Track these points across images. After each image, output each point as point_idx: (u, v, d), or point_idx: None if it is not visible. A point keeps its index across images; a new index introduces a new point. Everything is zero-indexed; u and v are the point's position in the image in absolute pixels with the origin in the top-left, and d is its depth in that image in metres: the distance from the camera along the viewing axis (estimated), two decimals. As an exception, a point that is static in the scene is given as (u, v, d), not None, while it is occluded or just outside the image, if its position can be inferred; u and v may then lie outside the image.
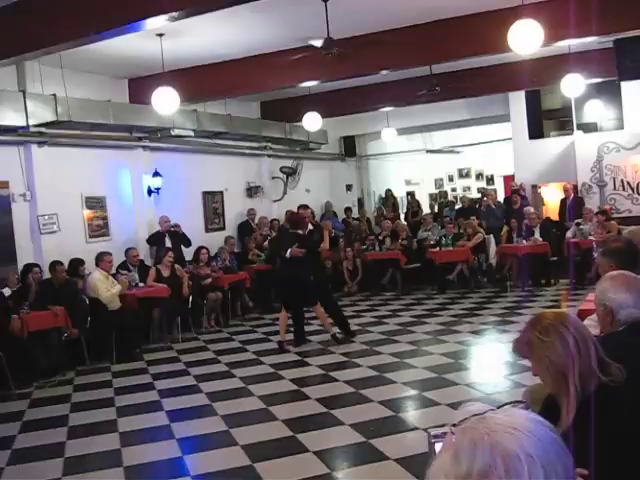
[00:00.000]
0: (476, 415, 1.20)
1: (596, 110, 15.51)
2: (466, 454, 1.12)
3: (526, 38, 7.64)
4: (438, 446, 1.66)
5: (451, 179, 23.14)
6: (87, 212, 11.60)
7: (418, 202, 20.74)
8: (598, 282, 3.37)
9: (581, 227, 13.22)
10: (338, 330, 10.08)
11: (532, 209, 14.45)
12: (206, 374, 8.68)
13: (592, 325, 3.57)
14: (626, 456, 2.34)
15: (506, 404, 1.29)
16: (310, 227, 10.52)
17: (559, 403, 2.51)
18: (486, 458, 1.10)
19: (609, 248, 4.46)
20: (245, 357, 9.54)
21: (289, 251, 9.67)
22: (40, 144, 10.63)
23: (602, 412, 2.37)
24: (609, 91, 14.62)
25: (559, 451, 1.15)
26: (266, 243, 13.76)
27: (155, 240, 12.20)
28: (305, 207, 11.24)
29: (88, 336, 9.62)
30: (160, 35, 9.36)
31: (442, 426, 1.83)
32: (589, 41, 10.43)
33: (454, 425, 1.22)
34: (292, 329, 10.11)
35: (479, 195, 18.41)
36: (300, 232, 9.97)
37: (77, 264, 10.32)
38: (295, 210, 12.06)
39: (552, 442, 1.15)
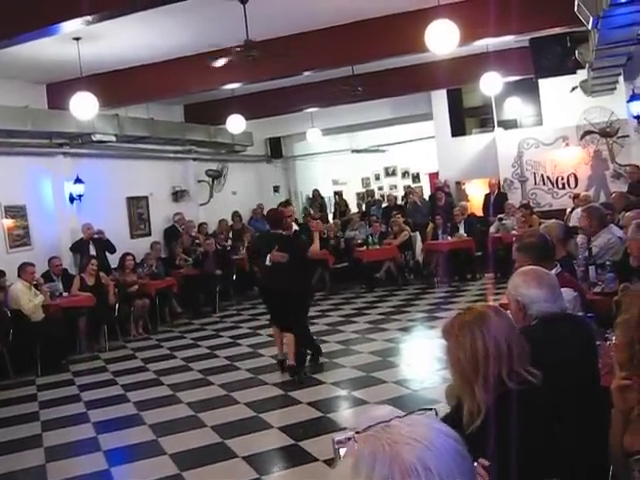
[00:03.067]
0: (382, 422, 1.20)
1: (515, 107, 15.88)
2: (365, 464, 1.12)
3: (442, 38, 7.76)
4: (343, 451, 1.66)
5: (378, 178, 23.30)
6: (7, 222, 11.26)
7: (346, 202, 20.89)
8: (510, 278, 3.43)
9: (504, 222, 13.52)
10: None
11: (465, 203, 14.78)
12: (134, 383, 8.55)
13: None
14: (535, 456, 2.36)
15: (414, 412, 1.29)
16: (295, 227, 9.01)
17: (463, 402, 2.52)
18: (384, 470, 1.10)
19: (524, 243, 4.54)
20: (174, 364, 9.42)
21: (268, 256, 8.05)
22: (-46, 153, 10.33)
23: (511, 414, 2.36)
24: (527, 89, 14.97)
25: (459, 461, 1.15)
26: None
27: (78, 248, 11.96)
28: (287, 204, 9.72)
29: (11, 349, 9.33)
30: (77, 39, 9.17)
31: (344, 429, 1.83)
32: (506, 40, 10.68)
33: (357, 433, 1.22)
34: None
35: (404, 193, 18.63)
36: (283, 233, 8.31)
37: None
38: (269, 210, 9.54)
39: (452, 452, 1.15)
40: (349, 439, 1.68)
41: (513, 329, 2.59)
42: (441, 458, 1.13)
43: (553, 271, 3.93)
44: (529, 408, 2.39)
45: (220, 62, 8.72)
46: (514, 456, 2.26)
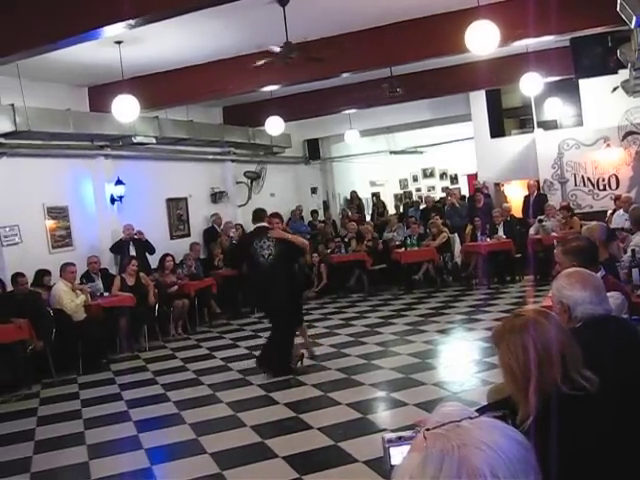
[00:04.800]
0: (452, 422, 1.19)
1: (556, 108, 15.67)
2: (433, 463, 1.11)
3: (482, 39, 7.71)
4: (393, 451, 1.67)
5: (415, 179, 23.26)
6: (49, 222, 11.45)
7: (383, 203, 20.87)
8: (554, 280, 3.40)
9: (543, 224, 13.37)
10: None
11: (507, 205, 14.70)
12: (174, 382, 8.62)
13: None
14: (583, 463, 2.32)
15: (485, 414, 1.27)
16: None
17: (517, 408, 2.48)
18: (452, 472, 1.09)
19: (571, 247, 4.49)
20: (213, 364, 9.48)
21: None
22: (-1, 155, 10.50)
23: (563, 421, 2.31)
24: (568, 89, 14.79)
25: (527, 469, 1.14)
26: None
27: (118, 248, 12.10)
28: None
29: (53, 348, 9.45)
30: (119, 42, 9.28)
31: (383, 430, 1.85)
32: (546, 40, 10.58)
33: (427, 429, 1.20)
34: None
35: (443, 194, 18.54)
36: None
37: (42, 275, 10.20)
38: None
39: (521, 460, 1.14)
40: (400, 438, 1.70)
41: (565, 333, 2.54)
42: (511, 467, 1.11)
43: (598, 274, 3.88)
44: (581, 414, 2.35)
45: (263, 61, 8.76)
46: (559, 463, 2.22)
